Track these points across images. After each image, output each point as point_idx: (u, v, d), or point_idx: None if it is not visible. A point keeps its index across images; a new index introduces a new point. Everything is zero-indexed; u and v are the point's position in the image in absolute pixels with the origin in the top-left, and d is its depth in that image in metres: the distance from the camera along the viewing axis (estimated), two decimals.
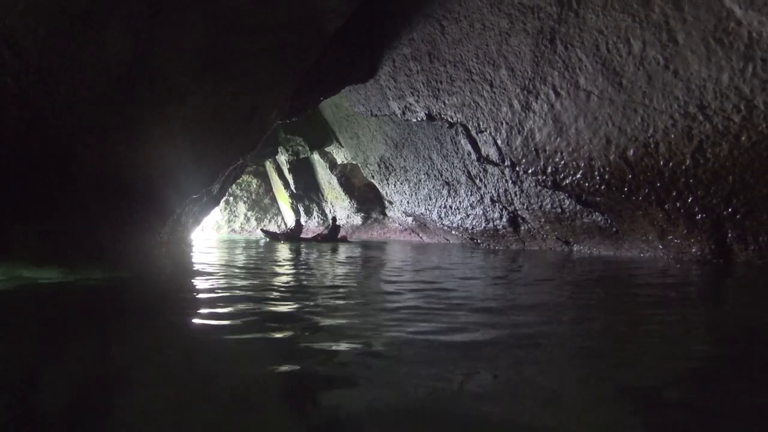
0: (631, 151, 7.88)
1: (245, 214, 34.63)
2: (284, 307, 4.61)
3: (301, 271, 7.85)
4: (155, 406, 2.24)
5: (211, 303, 4.61)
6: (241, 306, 4.41)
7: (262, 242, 19.47)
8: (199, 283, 6.20)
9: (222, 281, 6.16)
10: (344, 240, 21.11)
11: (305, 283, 6.27)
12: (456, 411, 2.05)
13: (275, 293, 5.51)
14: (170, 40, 8.26)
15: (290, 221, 30.39)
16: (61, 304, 4.72)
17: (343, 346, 3.05)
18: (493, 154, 11.04)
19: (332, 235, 21.18)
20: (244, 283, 6.06)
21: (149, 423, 2.05)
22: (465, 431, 1.90)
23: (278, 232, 25.12)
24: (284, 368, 2.70)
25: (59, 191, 8.04)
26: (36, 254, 7.69)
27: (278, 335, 3.41)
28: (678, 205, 7.73)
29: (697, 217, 7.65)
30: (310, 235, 24.46)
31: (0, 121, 6.80)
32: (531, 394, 2.26)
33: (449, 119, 11.61)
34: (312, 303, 4.60)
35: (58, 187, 8.00)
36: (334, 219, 23.10)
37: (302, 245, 17.42)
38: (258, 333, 3.44)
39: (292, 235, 21.94)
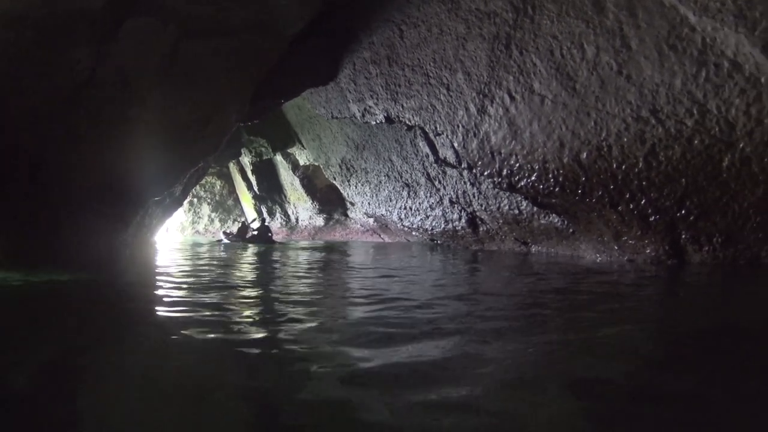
0: (585, 154, 7.80)
1: (209, 216, 34.13)
2: (241, 304, 4.78)
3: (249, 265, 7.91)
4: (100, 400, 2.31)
5: (168, 305, 4.67)
6: (196, 307, 4.43)
7: (222, 246, 19.25)
8: (160, 284, 6.51)
9: (181, 283, 6.43)
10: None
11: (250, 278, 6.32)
12: None
13: (231, 293, 5.77)
14: (130, 45, 8.26)
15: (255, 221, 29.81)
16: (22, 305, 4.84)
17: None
18: (450, 156, 10.93)
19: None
20: (202, 285, 6.23)
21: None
22: None
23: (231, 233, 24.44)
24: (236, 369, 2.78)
25: (26, 193, 8.03)
26: (2, 256, 7.75)
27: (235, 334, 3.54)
28: (631, 206, 7.66)
29: (651, 219, 7.60)
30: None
31: None
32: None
33: (407, 122, 11.48)
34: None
35: (25, 189, 8.00)
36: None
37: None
38: (213, 334, 3.48)
39: (258, 237, 21.28)
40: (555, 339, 3.39)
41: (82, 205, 8.93)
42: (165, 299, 5.21)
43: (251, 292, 5.99)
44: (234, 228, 26.95)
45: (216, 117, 10.27)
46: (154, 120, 9.19)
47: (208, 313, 4.17)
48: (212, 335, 3.46)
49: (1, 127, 7.20)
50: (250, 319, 4.17)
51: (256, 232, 21.50)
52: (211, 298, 5.11)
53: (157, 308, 4.74)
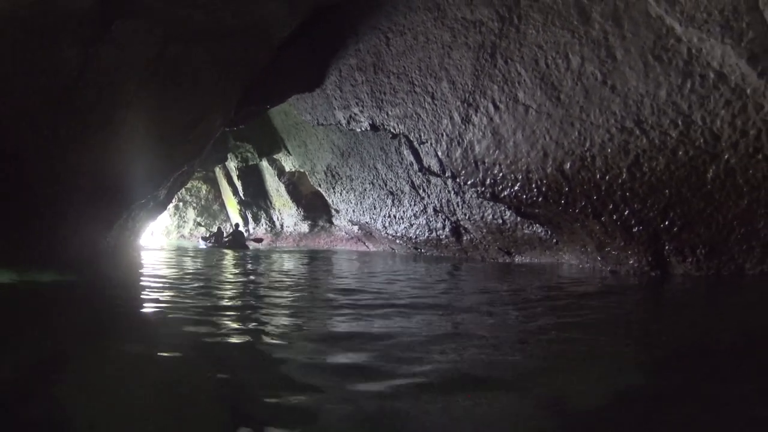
0: (568, 165, 7.71)
1: (194, 220, 33.96)
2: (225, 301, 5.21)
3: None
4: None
5: (149, 305, 4.82)
6: (178, 309, 4.60)
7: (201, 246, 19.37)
8: (142, 285, 6.70)
9: (162, 284, 6.60)
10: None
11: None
12: None
13: (214, 292, 6.06)
14: (118, 47, 8.20)
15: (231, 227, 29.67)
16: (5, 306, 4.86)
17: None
18: (434, 165, 10.85)
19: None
20: (186, 287, 6.36)
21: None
22: None
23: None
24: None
25: (11, 194, 8.03)
26: None
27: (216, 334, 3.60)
28: (615, 217, 7.56)
29: (634, 230, 7.50)
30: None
31: None
32: None
33: (392, 130, 11.39)
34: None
35: (10, 190, 7.99)
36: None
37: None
38: (193, 330, 3.62)
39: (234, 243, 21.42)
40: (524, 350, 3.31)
41: (66, 206, 8.97)
42: (146, 299, 5.35)
43: (227, 291, 6.25)
44: (209, 233, 27.05)
45: (202, 121, 10.30)
46: (140, 122, 9.20)
47: (189, 312, 4.36)
48: (192, 332, 3.58)
49: None
50: (227, 315, 4.34)
51: (230, 238, 21.67)
52: (191, 297, 5.30)
53: (138, 308, 4.87)
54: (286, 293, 6.11)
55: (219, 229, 25.40)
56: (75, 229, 9.65)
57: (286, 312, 4.75)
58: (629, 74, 6.52)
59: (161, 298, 5.37)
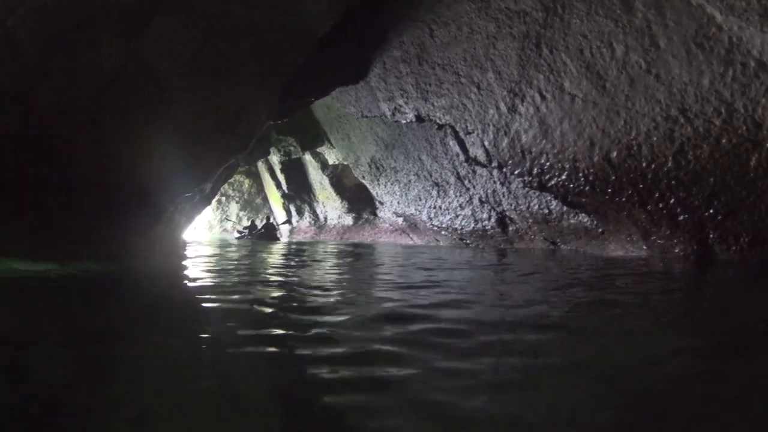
0: (615, 153, 7.94)
1: (237, 214, 34.62)
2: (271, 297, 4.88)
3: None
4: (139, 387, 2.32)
5: (202, 300, 4.61)
6: (226, 299, 4.56)
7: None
8: (192, 277, 6.54)
9: (212, 278, 6.42)
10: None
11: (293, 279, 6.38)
12: None
13: (261, 286, 5.87)
14: (160, 42, 8.39)
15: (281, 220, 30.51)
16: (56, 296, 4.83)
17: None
18: (480, 155, 11.10)
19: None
20: (233, 278, 6.36)
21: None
22: None
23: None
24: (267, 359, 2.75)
25: (53, 188, 8.14)
26: (29, 249, 7.75)
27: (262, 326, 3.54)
28: (660, 206, 7.78)
29: (680, 218, 7.72)
30: (302, 236, 25.38)
31: None
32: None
33: (438, 121, 11.67)
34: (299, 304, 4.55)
35: (52, 184, 8.11)
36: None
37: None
38: (244, 323, 3.60)
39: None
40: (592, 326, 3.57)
41: (110, 202, 9.04)
42: (193, 291, 5.41)
43: (274, 284, 6.21)
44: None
45: (246, 115, 10.47)
46: (183, 118, 9.40)
47: (237, 304, 4.39)
48: (242, 323, 3.60)
49: (28, 124, 7.30)
50: (274, 310, 4.28)
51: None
52: (238, 289, 5.35)
53: (186, 299, 4.91)
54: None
55: (252, 222, 26.54)
56: (119, 224, 9.63)
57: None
58: (672, 63, 6.75)
59: (209, 288, 5.48)
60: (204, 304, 4.32)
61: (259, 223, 25.74)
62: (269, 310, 4.17)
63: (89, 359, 2.70)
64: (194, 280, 6.24)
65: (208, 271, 7.36)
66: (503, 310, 4.17)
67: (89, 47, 7.28)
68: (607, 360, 2.74)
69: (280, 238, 22.67)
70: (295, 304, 4.46)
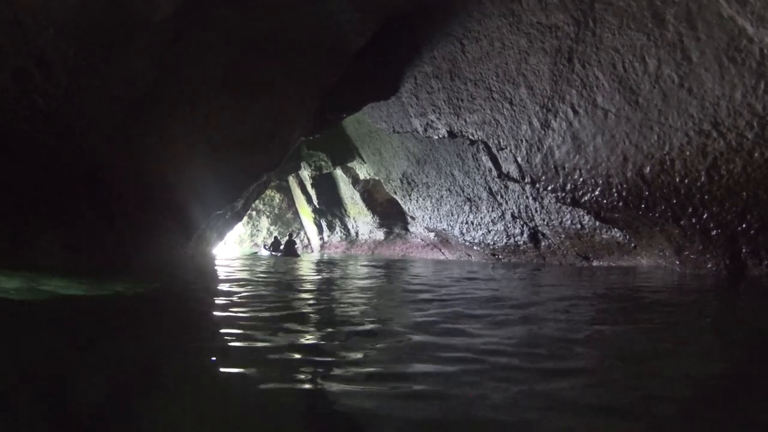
0: (648, 168, 8.01)
1: (268, 229, 35.03)
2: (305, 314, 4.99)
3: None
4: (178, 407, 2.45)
5: (237, 320, 4.68)
6: (262, 317, 4.69)
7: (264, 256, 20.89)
8: (226, 294, 6.56)
9: (245, 295, 6.47)
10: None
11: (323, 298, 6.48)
12: None
13: (296, 303, 5.95)
14: (191, 59, 8.56)
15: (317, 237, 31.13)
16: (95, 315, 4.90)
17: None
18: (513, 171, 11.22)
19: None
20: (267, 293, 6.50)
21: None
22: None
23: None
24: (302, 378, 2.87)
25: (86, 204, 8.31)
26: (62, 264, 7.89)
27: (298, 349, 3.57)
28: (693, 221, 7.83)
29: (713, 233, 7.75)
30: (332, 250, 26.06)
31: (29, 137, 7.07)
32: None
33: (470, 136, 11.83)
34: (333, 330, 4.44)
35: (85, 200, 8.28)
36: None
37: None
38: (278, 342, 3.66)
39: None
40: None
41: (144, 218, 9.34)
42: (227, 307, 5.44)
43: (308, 301, 6.28)
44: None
45: (280, 132, 10.63)
46: (217, 134, 9.58)
47: (275, 324, 4.44)
48: (277, 341, 3.68)
49: (62, 140, 7.40)
50: (309, 327, 4.40)
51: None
52: (273, 307, 5.42)
53: (222, 315, 4.99)
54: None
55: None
56: (151, 240, 10.01)
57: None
58: (705, 76, 6.82)
59: (242, 304, 5.59)
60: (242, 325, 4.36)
61: (282, 241, 26.73)
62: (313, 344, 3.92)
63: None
64: (229, 298, 6.24)
65: (242, 288, 7.36)
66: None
67: (121, 64, 7.42)
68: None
69: (300, 255, 23.50)
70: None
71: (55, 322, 4.51)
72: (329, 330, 4.23)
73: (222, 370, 3.08)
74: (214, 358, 3.27)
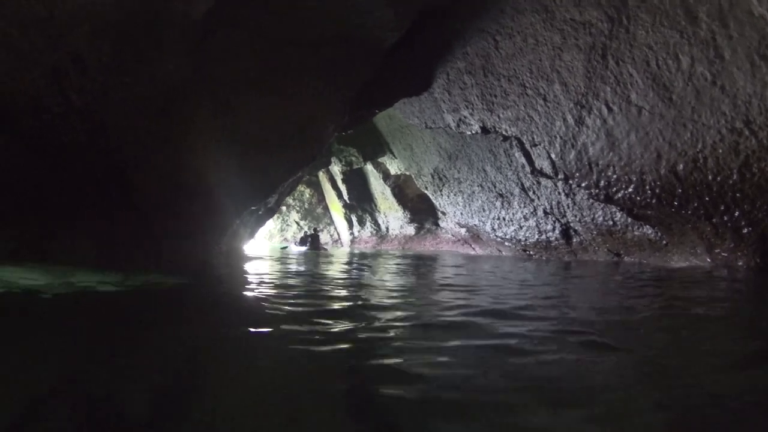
0: (681, 166, 8.16)
1: (297, 224, 35.38)
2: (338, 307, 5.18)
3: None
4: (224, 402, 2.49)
5: (275, 312, 4.81)
6: (296, 311, 4.85)
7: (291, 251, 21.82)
8: (260, 288, 6.74)
9: (279, 289, 6.70)
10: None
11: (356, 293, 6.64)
12: None
13: (327, 296, 6.17)
14: (223, 55, 8.66)
15: (345, 232, 31.85)
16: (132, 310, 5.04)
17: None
18: (546, 167, 11.41)
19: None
20: (299, 289, 6.65)
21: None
22: None
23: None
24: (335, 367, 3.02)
25: (118, 202, 8.46)
26: (95, 258, 8.00)
27: (331, 337, 3.76)
28: (725, 218, 7.97)
29: (744, 231, 7.88)
30: (363, 246, 26.98)
31: (64, 135, 7.21)
32: None
33: (504, 132, 12.01)
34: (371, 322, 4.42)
35: (117, 198, 8.42)
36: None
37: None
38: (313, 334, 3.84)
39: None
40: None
41: (177, 216, 9.49)
42: (264, 303, 5.46)
43: (340, 296, 6.38)
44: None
45: (312, 128, 10.84)
46: (250, 132, 9.76)
47: (310, 317, 4.56)
48: (316, 336, 3.77)
49: (95, 138, 7.47)
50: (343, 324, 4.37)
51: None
52: (306, 301, 5.59)
53: (259, 312, 5.01)
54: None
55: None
56: (184, 237, 10.15)
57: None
58: (737, 74, 6.98)
59: (276, 296, 5.82)
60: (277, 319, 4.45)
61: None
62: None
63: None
64: (264, 293, 6.33)
65: (276, 284, 7.48)
66: None
67: (154, 61, 7.51)
68: None
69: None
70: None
71: (97, 314, 4.69)
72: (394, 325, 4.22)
73: (269, 353, 3.29)
74: (259, 344, 3.51)
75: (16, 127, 6.90)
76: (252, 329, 4.07)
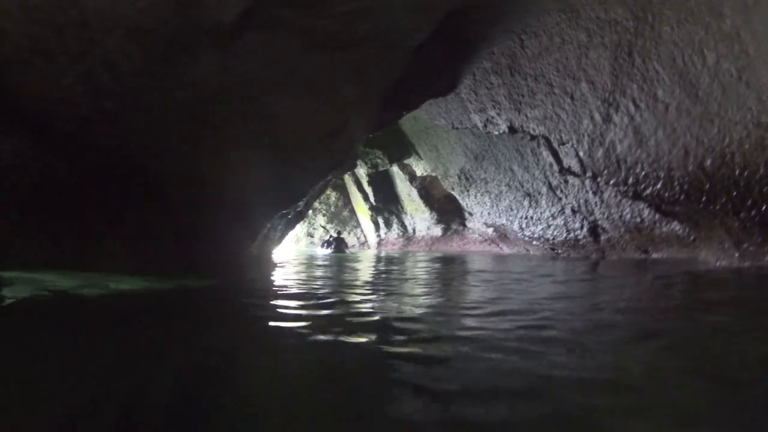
0: (709, 162, 8.26)
1: (324, 227, 35.69)
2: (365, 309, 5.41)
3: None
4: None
5: (302, 315, 5.01)
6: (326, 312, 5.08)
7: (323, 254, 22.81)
8: (292, 291, 7.08)
9: (312, 292, 7.02)
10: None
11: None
12: None
13: (353, 296, 6.42)
14: (254, 58, 8.58)
15: (370, 234, 32.36)
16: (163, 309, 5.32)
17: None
18: (574, 165, 11.56)
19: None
20: (326, 296, 6.80)
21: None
22: None
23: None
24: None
25: (150, 208, 8.65)
26: (126, 263, 8.27)
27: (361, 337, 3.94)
28: (753, 213, 8.04)
29: None
30: (390, 247, 27.52)
31: (96, 140, 7.42)
32: None
33: (531, 132, 12.17)
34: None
35: (149, 204, 8.62)
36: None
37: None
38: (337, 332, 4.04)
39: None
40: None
41: (208, 221, 9.60)
42: (296, 306, 5.67)
43: (365, 299, 6.55)
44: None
45: (344, 131, 10.90)
46: (281, 134, 9.74)
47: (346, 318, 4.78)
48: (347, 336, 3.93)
49: (125, 143, 7.63)
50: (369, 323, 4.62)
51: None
52: (335, 304, 5.77)
53: (291, 313, 5.19)
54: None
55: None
56: (216, 242, 10.13)
57: None
58: (761, 69, 7.08)
59: (303, 296, 6.09)
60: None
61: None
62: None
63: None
64: (292, 297, 6.54)
65: (308, 288, 7.71)
66: None
67: (185, 65, 7.56)
68: None
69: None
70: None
71: (131, 315, 4.92)
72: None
73: (300, 347, 3.53)
74: (289, 340, 3.73)
75: (50, 133, 7.15)
76: (281, 330, 4.27)
